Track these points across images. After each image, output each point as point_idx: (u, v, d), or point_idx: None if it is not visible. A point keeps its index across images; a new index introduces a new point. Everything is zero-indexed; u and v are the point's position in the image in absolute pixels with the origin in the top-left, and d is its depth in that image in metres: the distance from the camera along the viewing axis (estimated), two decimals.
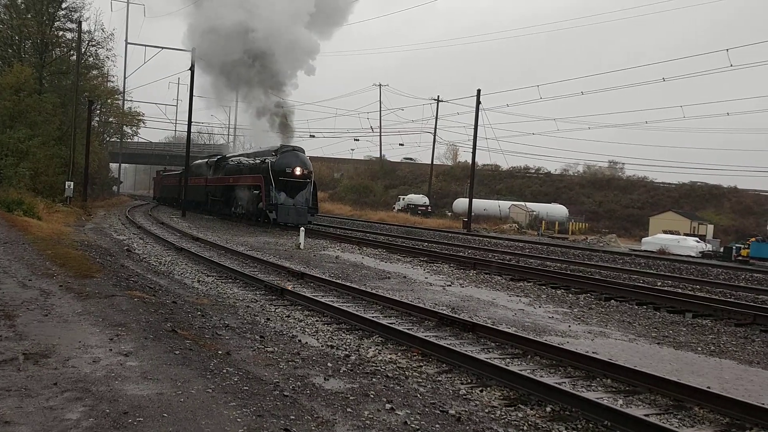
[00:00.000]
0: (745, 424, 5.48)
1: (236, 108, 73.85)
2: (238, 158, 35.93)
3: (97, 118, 52.40)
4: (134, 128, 63.63)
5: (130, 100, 66.26)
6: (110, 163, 67.90)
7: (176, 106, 78.88)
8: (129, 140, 70.28)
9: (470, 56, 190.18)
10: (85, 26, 38.87)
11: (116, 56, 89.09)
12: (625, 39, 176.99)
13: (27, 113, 32.44)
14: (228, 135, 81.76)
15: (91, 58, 44.34)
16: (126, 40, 68.91)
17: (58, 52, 41.77)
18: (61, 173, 35.25)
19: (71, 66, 39.97)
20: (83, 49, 39.84)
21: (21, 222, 18.90)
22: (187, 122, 40.16)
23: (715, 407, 5.78)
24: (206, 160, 42.24)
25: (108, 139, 63.77)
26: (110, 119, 59.67)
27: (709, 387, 6.33)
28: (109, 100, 53.01)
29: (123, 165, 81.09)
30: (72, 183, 34.64)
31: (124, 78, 66.52)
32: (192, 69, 38.33)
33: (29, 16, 38.47)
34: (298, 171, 29.21)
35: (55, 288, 9.01)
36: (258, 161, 31.17)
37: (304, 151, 30.89)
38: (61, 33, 41.02)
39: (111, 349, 5.97)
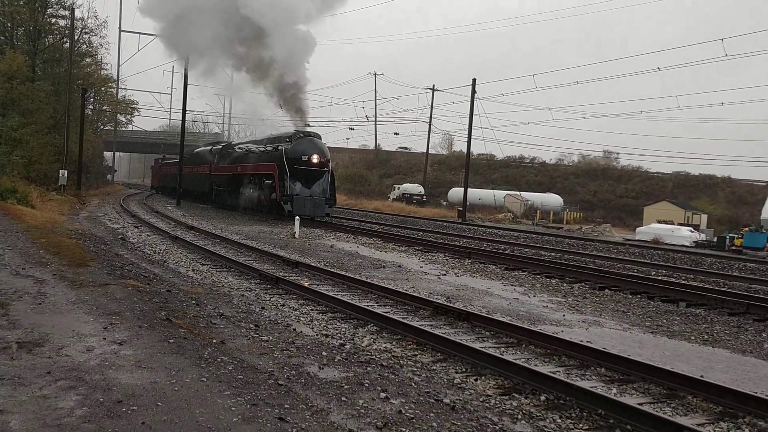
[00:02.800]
0: (738, 412, 5.50)
1: (230, 96, 73.58)
2: (247, 145, 33.64)
3: (91, 106, 52.21)
4: (128, 116, 63.60)
5: (124, 88, 66.20)
6: (104, 152, 67.59)
7: (171, 94, 78.03)
8: (123, 129, 70.06)
9: (466, 46, 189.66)
10: (78, 13, 38.83)
11: (110, 44, 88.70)
12: (620, 28, 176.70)
13: (20, 101, 32.23)
14: (223, 123, 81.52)
15: (84, 46, 44.14)
16: (119, 27, 68.71)
17: (51, 39, 41.50)
18: (54, 161, 35.07)
19: (64, 53, 39.72)
20: (76, 37, 39.62)
21: (14, 210, 18.81)
22: (181, 111, 40.01)
23: (709, 396, 5.80)
24: (210, 147, 40.00)
25: (102, 127, 63.54)
26: (104, 107, 59.49)
27: (702, 376, 6.36)
28: (102, 88, 52.83)
29: (117, 153, 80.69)
30: (66, 171, 34.46)
31: (118, 66, 66.29)
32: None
33: (21, 2, 38.15)
34: (315, 159, 26.99)
35: (49, 276, 8.98)
36: (270, 148, 28.99)
37: (320, 137, 28.65)
38: (53, 20, 40.70)
39: (105, 338, 5.96)
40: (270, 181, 27.96)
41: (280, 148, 27.65)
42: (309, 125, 31.37)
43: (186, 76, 38.37)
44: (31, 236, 13.44)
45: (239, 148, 34.43)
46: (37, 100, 33.42)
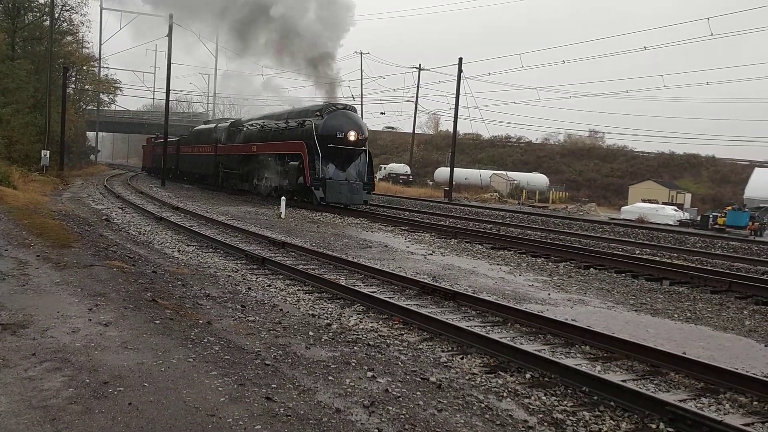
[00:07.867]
0: (719, 388, 5.59)
1: (215, 76, 72.90)
2: (262, 121, 29.52)
3: (73, 86, 51.45)
4: (111, 96, 62.76)
5: (107, 67, 65.17)
6: (87, 132, 66.79)
7: (154, 73, 77.04)
8: (106, 108, 69.20)
9: (453, 25, 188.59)
10: None
11: (91, 22, 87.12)
12: (608, 6, 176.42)
13: (0, 80, 31.73)
14: (207, 103, 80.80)
15: (65, 24, 43.40)
16: (101, 5, 67.52)
17: (31, 16, 40.76)
18: (36, 142, 34.63)
19: (45, 31, 39.05)
20: (57, 14, 38.92)
21: None
22: (165, 90, 39.51)
23: (691, 372, 5.88)
24: (214, 124, 36.76)
25: (84, 107, 62.71)
26: (86, 87, 58.64)
27: (684, 352, 6.44)
28: (84, 67, 52.04)
29: (100, 133, 79.80)
30: (48, 152, 34.04)
31: (100, 44, 65.36)
32: (169, 35, 37.53)
33: None
34: (352, 136, 23.37)
35: (33, 258, 8.90)
36: (295, 124, 25.29)
37: (355, 110, 25.02)
38: None
39: (90, 319, 5.93)
40: (296, 163, 24.39)
41: (308, 123, 24.19)
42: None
43: (169, 55, 37.86)
44: (14, 217, 13.31)
45: (252, 124, 30.59)
46: (17, 78, 32.90)
